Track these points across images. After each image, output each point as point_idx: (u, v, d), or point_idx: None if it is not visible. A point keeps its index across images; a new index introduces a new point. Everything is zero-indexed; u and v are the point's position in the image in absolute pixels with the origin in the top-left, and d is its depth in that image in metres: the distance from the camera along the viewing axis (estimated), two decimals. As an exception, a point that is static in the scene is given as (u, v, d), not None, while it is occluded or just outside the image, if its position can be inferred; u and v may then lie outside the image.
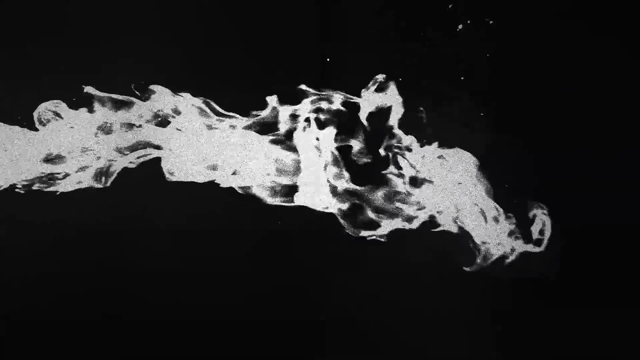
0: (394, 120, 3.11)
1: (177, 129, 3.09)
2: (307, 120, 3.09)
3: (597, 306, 3.13)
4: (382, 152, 3.11)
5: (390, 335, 3.12)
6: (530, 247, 3.08)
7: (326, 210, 3.08)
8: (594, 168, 3.13)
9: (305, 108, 3.10)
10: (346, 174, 3.09)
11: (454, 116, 3.14)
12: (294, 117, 3.10)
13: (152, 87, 3.06)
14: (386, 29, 3.18)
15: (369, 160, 3.10)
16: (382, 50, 3.17)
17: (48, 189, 3.03)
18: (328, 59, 3.13)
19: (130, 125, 3.07)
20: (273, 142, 3.10)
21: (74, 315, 3.06)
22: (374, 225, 3.08)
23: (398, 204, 3.10)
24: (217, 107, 3.09)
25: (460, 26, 3.08)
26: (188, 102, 3.09)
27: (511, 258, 3.07)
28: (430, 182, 3.11)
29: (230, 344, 3.09)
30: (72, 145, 3.04)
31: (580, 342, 3.13)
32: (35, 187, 3.02)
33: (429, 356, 3.12)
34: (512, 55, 3.16)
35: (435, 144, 3.11)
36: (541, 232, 3.09)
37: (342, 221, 3.06)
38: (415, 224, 3.09)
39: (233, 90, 3.11)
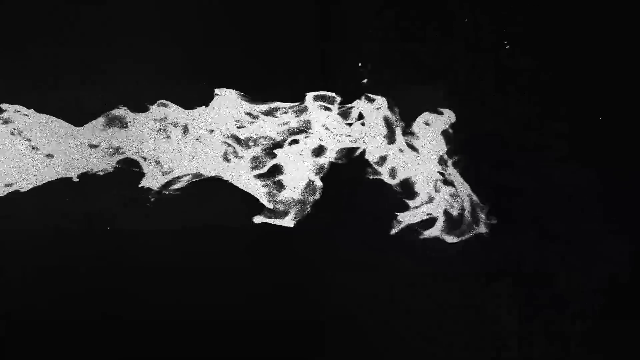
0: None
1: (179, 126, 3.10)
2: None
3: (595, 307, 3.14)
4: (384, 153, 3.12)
5: (390, 335, 3.12)
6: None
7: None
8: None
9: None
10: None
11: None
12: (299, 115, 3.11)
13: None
14: (386, 29, 3.18)
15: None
16: (382, 50, 3.17)
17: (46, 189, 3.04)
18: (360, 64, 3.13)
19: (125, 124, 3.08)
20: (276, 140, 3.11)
21: (74, 315, 3.06)
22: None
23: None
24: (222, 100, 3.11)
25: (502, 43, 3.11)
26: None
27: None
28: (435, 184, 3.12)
29: (230, 344, 3.09)
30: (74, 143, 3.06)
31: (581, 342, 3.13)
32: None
33: (429, 356, 3.12)
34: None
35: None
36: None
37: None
38: (417, 224, 3.10)
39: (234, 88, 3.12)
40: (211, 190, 3.10)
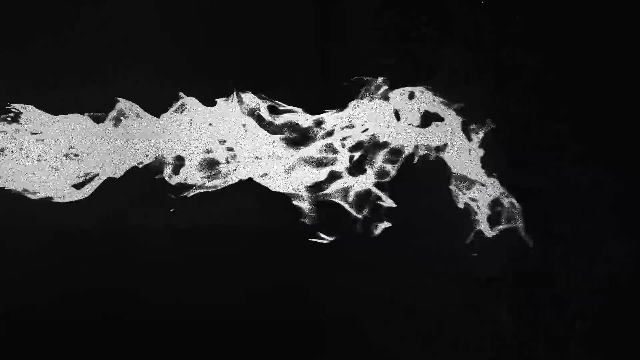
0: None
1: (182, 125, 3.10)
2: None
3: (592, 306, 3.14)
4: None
5: (390, 335, 3.12)
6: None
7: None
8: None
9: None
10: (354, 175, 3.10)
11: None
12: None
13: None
14: (386, 29, 3.19)
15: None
16: (382, 50, 3.17)
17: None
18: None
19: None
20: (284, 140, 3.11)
21: (74, 315, 3.06)
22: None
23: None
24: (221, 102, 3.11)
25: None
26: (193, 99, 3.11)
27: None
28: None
29: (230, 344, 3.09)
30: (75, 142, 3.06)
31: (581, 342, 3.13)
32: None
33: (429, 356, 3.12)
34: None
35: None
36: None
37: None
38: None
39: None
40: (211, 190, 3.09)
